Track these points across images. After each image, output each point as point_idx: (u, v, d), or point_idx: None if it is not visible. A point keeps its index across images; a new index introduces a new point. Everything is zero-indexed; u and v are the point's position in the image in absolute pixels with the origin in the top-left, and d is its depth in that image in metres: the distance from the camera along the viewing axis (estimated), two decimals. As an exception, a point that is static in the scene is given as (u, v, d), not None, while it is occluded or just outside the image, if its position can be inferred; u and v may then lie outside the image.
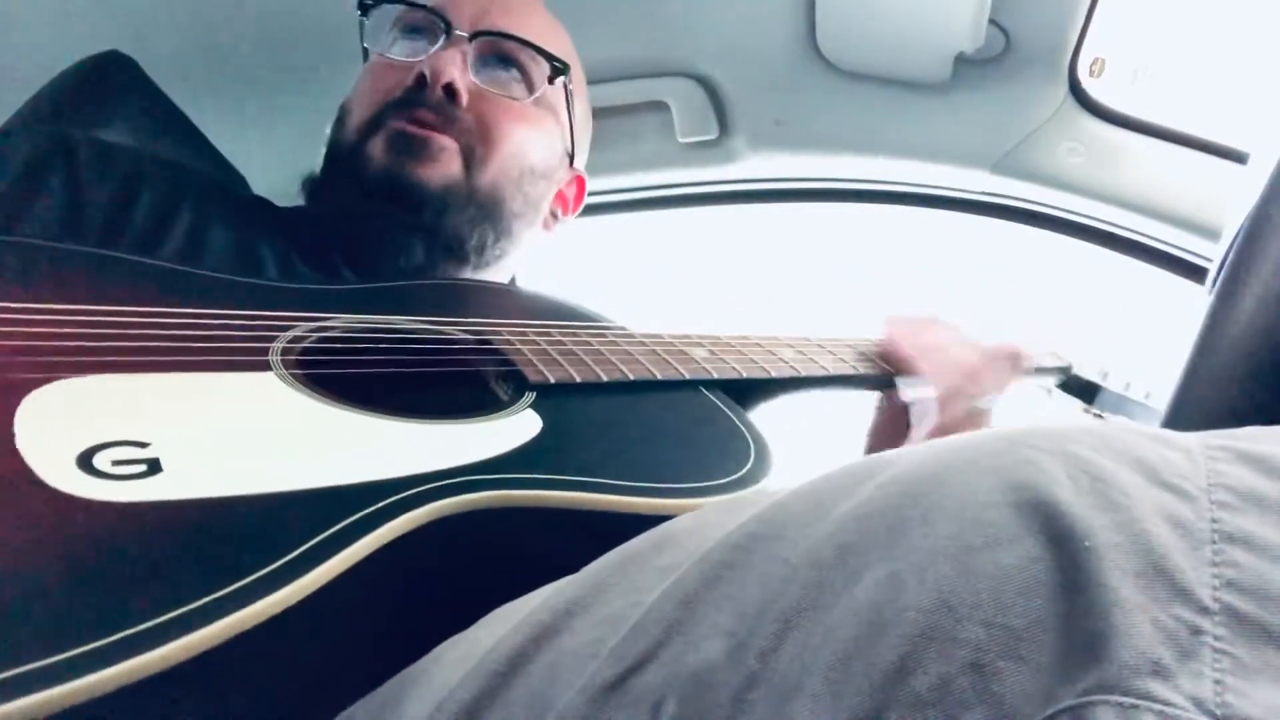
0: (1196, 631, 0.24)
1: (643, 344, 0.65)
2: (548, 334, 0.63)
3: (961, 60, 1.15)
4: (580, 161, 0.93)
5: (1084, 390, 0.91)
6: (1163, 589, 0.25)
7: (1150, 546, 0.26)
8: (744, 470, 0.52)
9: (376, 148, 0.76)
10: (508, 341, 0.60)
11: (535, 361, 0.58)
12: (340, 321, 0.59)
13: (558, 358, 0.59)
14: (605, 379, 0.58)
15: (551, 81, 0.83)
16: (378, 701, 0.37)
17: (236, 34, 1.20)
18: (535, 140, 0.83)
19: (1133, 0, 1.10)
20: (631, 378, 0.59)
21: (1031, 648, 0.25)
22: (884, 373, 0.75)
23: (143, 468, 0.38)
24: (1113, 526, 0.27)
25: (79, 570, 0.33)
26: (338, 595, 0.36)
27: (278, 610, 0.34)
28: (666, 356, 0.64)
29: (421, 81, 0.76)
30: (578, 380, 0.57)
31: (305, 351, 0.54)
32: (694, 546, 0.33)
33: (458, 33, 0.79)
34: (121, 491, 0.36)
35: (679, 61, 1.27)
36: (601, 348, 0.63)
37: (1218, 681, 0.23)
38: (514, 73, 0.82)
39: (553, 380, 0.56)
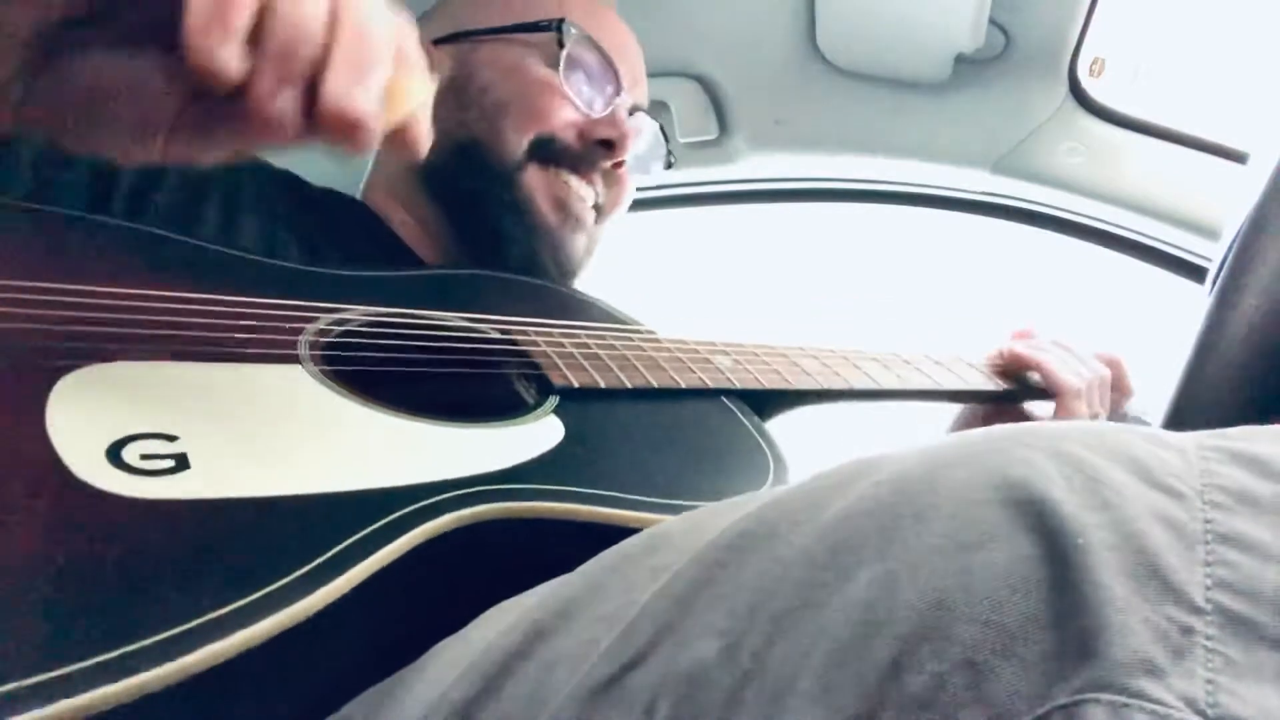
0: (1188, 631, 0.24)
1: (668, 350, 0.66)
2: (575, 336, 0.64)
3: (961, 60, 1.15)
4: None
5: None
6: (1155, 588, 0.25)
7: (1143, 546, 0.26)
8: (764, 486, 0.54)
9: (541, 194, 0.79)
10: (534, 343, 0.61)
11: (560, 365, 0.58)
12: (369, 314, 0.59)
13: (583, 362, 0.60)
14: (629, 386, 0.59)
15: None
16: (373, 699, 0.37)
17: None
18: None
19: (1133, 0, 1.10)
20: (656, 385, 0.60)
21: (1024, 646, 0.25)
22: (1000, 389, 0.78)
23: (170, 463, 0.38)
24: (1105, 525, 0.27)
25: (101, 570, 0.33)
26: (354, 604, 0.36)
27: (289, 625, 0.33)
28: (691, 364, 0.64)
29: (605, 143, 0.80)
30: (602, 385, 0.58)
31: (333, 344, 0.54)
32: (688, 546, 0.33)
33: (626, 99, 0.82)
34: (148, 488, 0.36)
35: (679, 61, 1.27)
36: (628, 353, 0.63)
37: (1209, 681, 0.23)
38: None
39: (576, 385, 0.57)
